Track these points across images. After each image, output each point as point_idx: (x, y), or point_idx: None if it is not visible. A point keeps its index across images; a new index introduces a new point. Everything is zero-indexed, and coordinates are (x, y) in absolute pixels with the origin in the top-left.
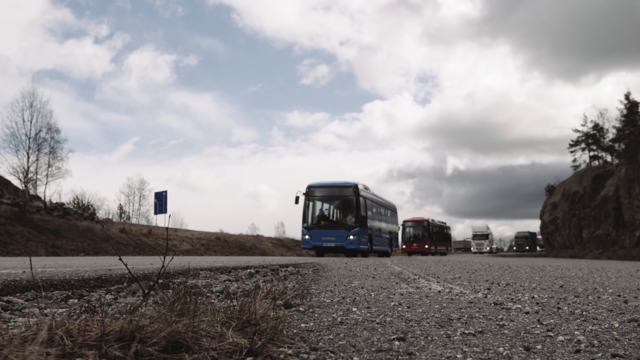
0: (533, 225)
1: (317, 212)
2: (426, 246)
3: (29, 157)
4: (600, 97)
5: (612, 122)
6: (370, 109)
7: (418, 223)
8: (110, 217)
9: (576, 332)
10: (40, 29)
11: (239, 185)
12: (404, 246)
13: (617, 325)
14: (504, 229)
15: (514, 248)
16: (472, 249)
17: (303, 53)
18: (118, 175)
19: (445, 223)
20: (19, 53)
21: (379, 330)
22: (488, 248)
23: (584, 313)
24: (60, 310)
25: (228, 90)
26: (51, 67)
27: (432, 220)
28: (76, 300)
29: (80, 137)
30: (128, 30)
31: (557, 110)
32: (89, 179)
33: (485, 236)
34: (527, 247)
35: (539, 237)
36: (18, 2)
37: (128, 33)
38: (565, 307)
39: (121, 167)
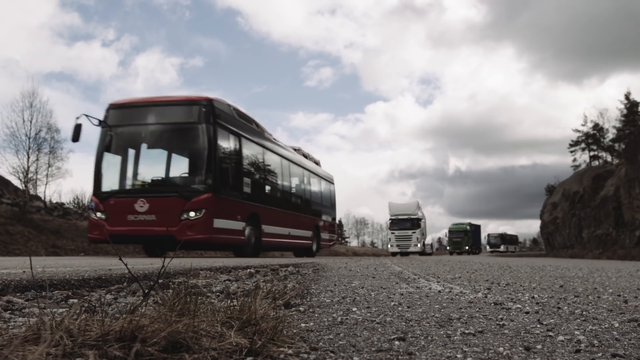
0: (534, 225)
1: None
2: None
3: (29, 157)
4: (603, 99)
5: (612, 122)
6: (372, 110)
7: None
8: None
9: (576, 332)
10: (48, 32)
11: None
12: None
13: (617, 325)
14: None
15: (447, 248)
16: (389, 245)
17: (308, 56)
18: None
19: (322, 168)
20: (27, 56)
21: (379, 330)
22: (419, 245)
23: (584, 313)
24: (60, 310)
25: (232, 91)
26: (59, 69)
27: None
28: (76, 300)
29: (83, 138)
30: (135, 33)
31: (560, 111)
32: (89, 179)
33: (413, 222)
34: (467, 247)
35: (491, 233)
36: (28, 7)
37: (135, 36)
38: (565, 307)
39: None
